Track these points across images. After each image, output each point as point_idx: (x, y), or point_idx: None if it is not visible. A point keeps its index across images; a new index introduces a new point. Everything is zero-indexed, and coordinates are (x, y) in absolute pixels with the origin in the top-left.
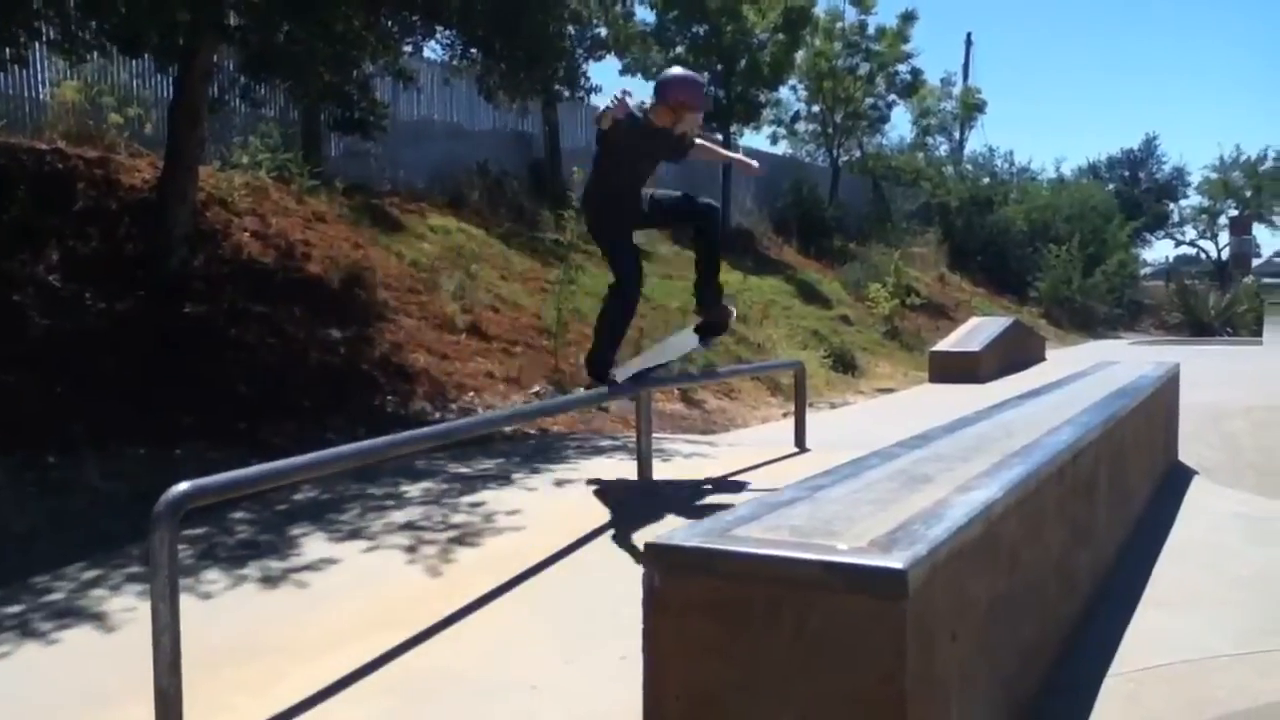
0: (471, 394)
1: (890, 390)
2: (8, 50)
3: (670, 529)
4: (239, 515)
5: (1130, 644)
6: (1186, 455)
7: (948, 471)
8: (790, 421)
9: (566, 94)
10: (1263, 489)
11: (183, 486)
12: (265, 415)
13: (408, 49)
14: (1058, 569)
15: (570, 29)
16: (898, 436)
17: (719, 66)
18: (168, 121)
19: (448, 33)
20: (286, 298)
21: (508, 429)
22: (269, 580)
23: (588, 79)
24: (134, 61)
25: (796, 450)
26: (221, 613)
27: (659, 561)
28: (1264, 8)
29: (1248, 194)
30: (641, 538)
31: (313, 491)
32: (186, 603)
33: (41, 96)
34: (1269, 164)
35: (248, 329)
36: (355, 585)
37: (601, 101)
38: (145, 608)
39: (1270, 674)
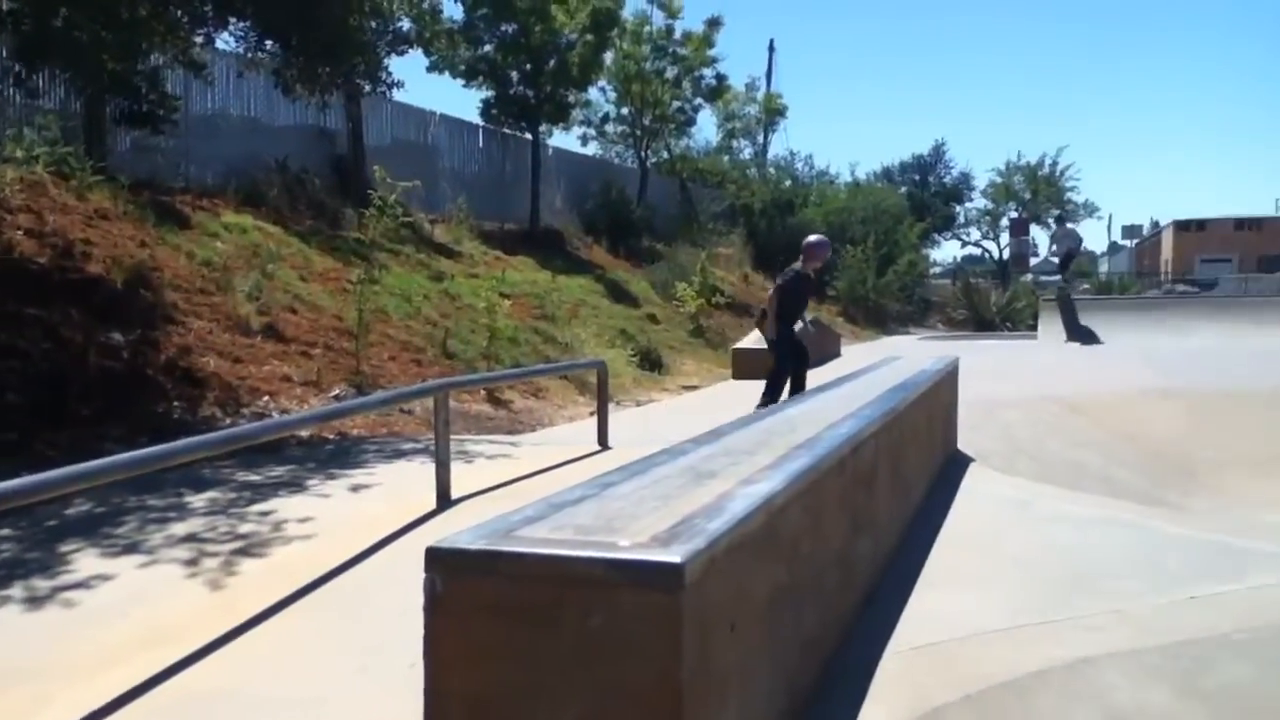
0: (266, 398)
1: (695, 388)
2: None
3: (456, 531)
4: (4, 532)
5: (906, 625)
6: (965, 444)
7: (734, 466)
8: (594, 420)
9: (368, 88)
10: (1033, 474)
11: None
12: (38, 425)
13: (199, 39)
14: (839, 558)
15: (371, 22)
16: (697, 432)
17: (527, 66)
18: None
19: (241, 24)
20: (64, 299)
21: (304, 433)
22: (34, 600)
23: (390, 74)
24: None
25: (599, 449)
26: None
27: (441, 565)
28: (1042, 23)
29: (1027, 197)
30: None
31: (86, 505)
32: None
33: None
34: (1046, 169)
35: (19, 333)
36: (129, 602)
37: (401, 95)
38: None
39: (1029, 647)
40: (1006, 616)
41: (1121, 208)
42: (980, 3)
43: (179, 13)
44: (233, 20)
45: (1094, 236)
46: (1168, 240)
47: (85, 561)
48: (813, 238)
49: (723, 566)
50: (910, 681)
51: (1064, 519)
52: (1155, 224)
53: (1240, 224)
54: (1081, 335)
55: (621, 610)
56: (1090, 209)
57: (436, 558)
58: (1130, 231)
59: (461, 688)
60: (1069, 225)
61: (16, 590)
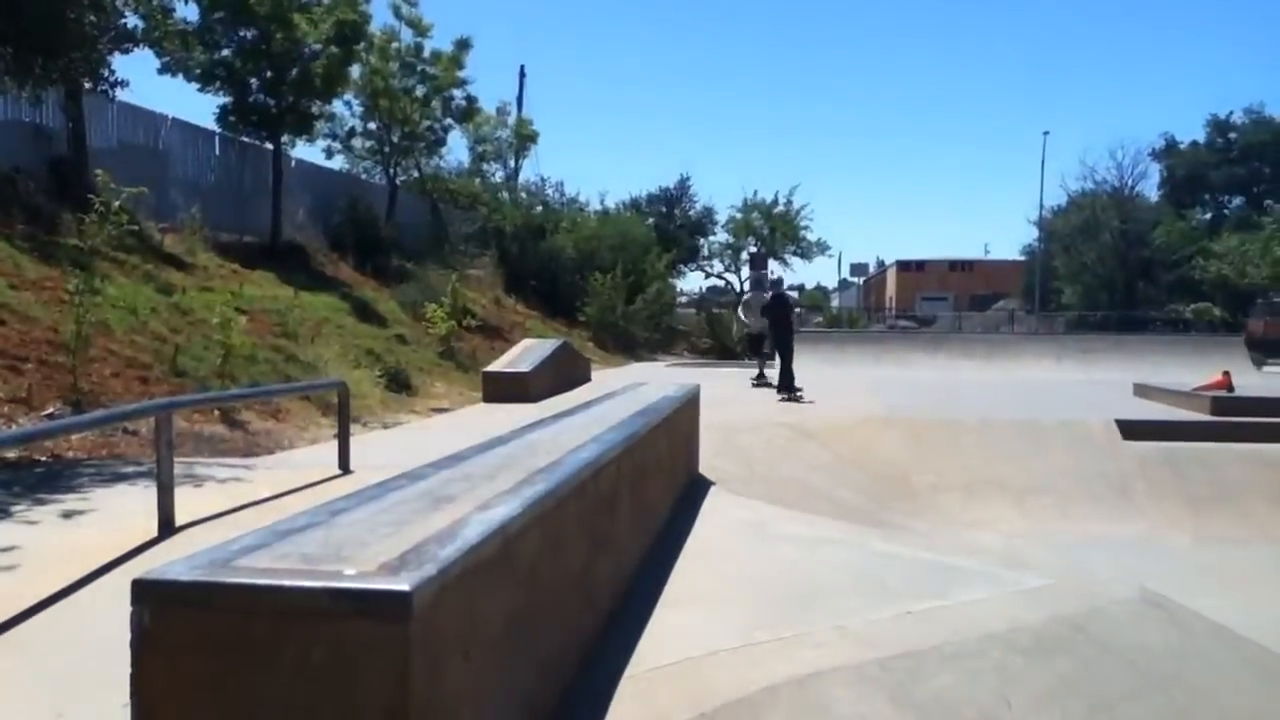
0: None
1: (445, 410)
2: None
3: (169, 561)
4: None
5: (645, 646)
6: (706, 468)
7: (472, 490)
8: (336, 443)
9: (89, 86)
10: (769, 496)
11: None
12: None
13: None
14: (580, 581)
15: (91, 15)
16: (445, 455)
17: (268, 73)
18: None
19: None
20: None
21: (10, 455)
22: None
23: (113, 72)
24: None
25: (340, 473)
26: None
27: (150, 597)
28: (779, 65)
29: (765, 233)
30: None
31: None
32: None
33: None
34: (781, 207)
35: None
36: None
37: (129, 96)
38: None
39: (761, 664)
40: (740, 634)
41: (851, 246)
42: (723, 42)
43: None
44: None
45: (825, 273)
46: (891, 278)
47: None
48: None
49: (455, 593)
50: (648, 701)
51: (795, 539)
52: (881, 263)
53: (954, 265)
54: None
55: (347, 642)
56: (823, 246)
57: (145, 590)
58: (858, 269)
59: None
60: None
61: None
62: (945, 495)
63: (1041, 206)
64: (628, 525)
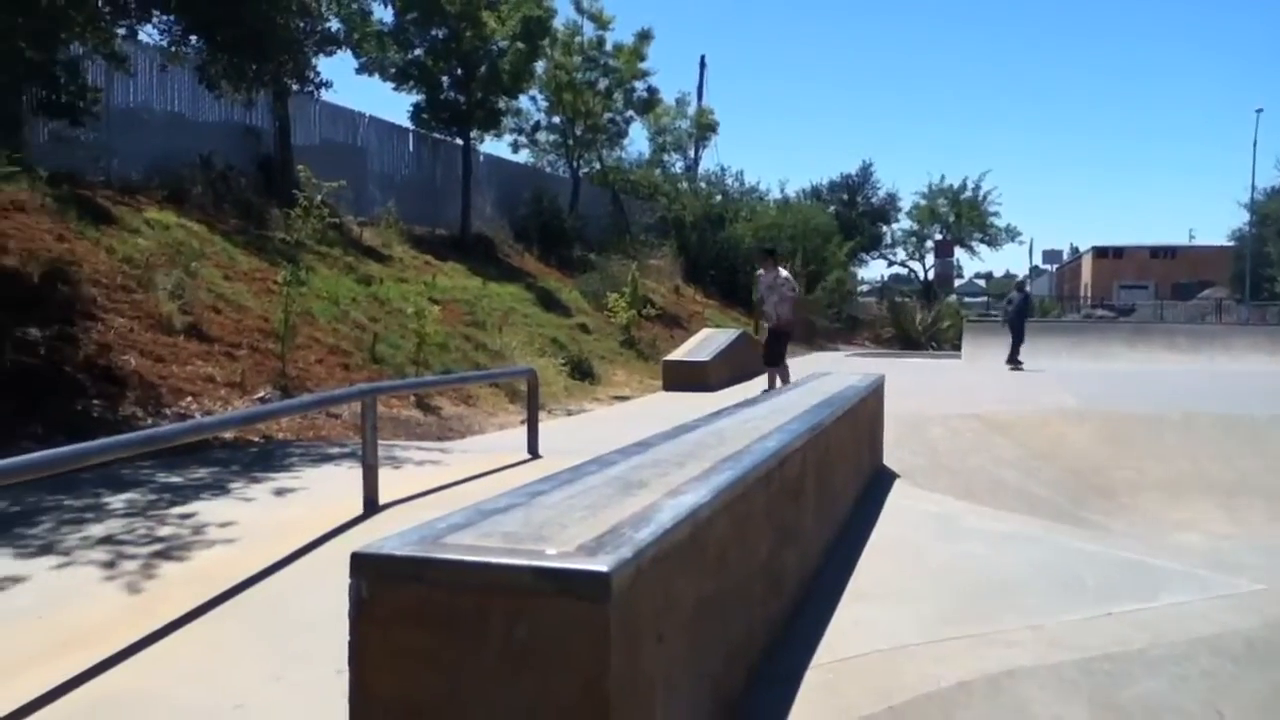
0: (189, 399)
1: (626, 398)
2: None
3: (382, 537)
4: None
5: (831, 637)
6: (891, 460)
7: (662, 477)
8: (525, 428)
9: (295, 87)
10: (955, 490)
11: None
12: None
13: (121, 31)
14: (765, 569)
15: (298, 21)
16: (628, 442)
17: (458, 71)
18: None
19: (165, 17)
20: None
21: (228, 435)
22: None
23: (318, 73)
24: None
25: (529, 457)
26: None
27: (367, 571)
28: (970, 50)
29: (950, 220)
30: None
31: (1, 503)
32: None
33: None
34: (969, 193)
35: None
36: (43, 605)
37: (330, 96)
38: None
39: (950, 661)
40: (928, 629)
41: (1042, 233)
42: (908, 29)
43: (100, 2)
44: (156, 13)
45: (1016, 260)
46: (1087, 266)
47: None
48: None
49: (649, 576)
50: (835, 691)
51: (984, 534)
52: (1075, 250)
53: (1155, 252)
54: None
55: (548, 619)
56: (1012, 233)
57: (362, 563)
58: (1051, 256)
59: (387, 695)
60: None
61: None
62: (1145, 493)
63: (1253, 188)
64: (812, 515)
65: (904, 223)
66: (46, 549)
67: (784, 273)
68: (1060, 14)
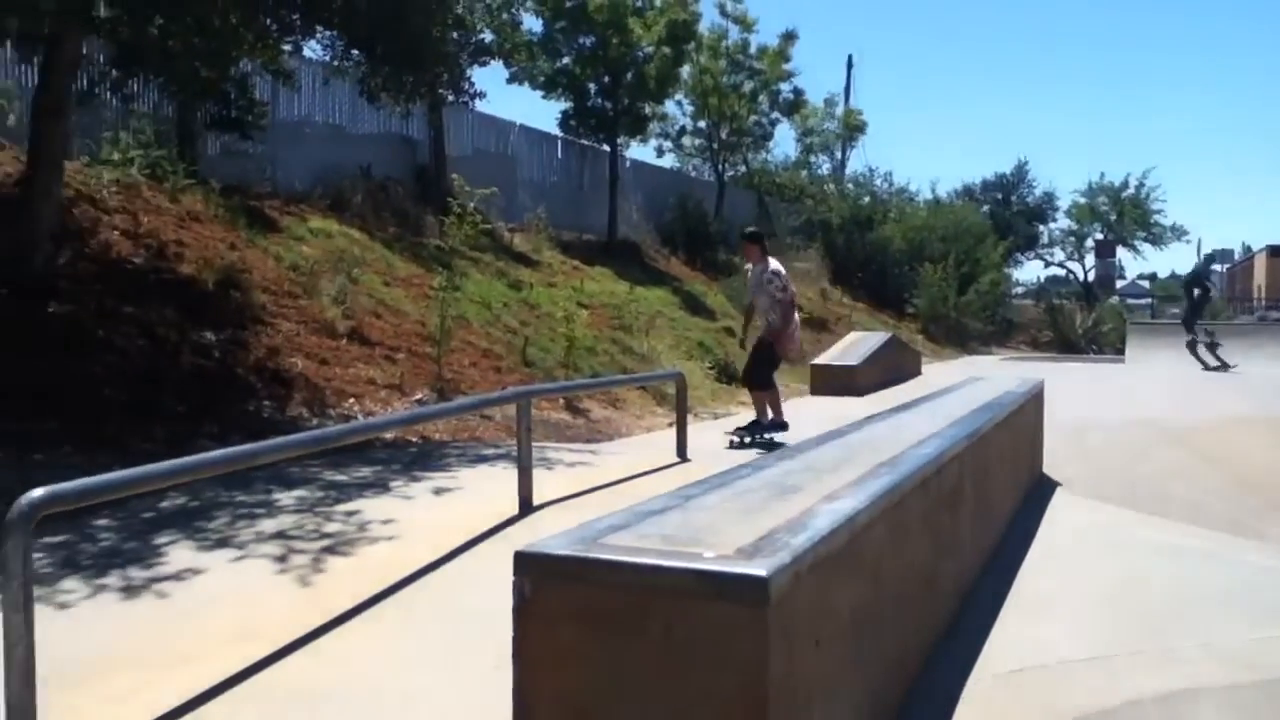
0: (352, 400)
1: None
2: None
3: (544, 537)
4: (102, 522)
5: (991, 651)
6: (1051, 468)
7: (816, 482)
8: (672, 431)
9: (451, 98)
10: (1119, 500)
11: (37, 493)
12: (135, 419)
13: (287, 48)
14: (922, 579)
15: (454, 33)
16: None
17: (605, 78)
18: (31, 114)
19: (328, 33)
20: (158, 298)
21: (388, 435)
22: (130, 590)
23: (472, 84)
24: None
25: (678, 460)
26: (79, 624)
27: (529, 569)
28: (1122, 45)
29: (1112, 219)
30: (517, 546)
31: (181, 498)
32: (43, 613)
33: None
34: (1130, 191)
35: (117, 330)
36: (221, 596)
37: (482, 106)
38: None
39: (1119, 679)
40: (1093, 646)
41: (1211, 231)
42: (1060, 23)
43: (268, 21)
44: (320, 29)
45: (1183, 260)
46: (1260, 265)
47: (179, 554)
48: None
49: (807, 582)
50: (996, 706)
51: (1152, 547)
52: (1247, 249)
53: None
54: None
55: (707, 621)
56: (1178, 232)
57: (525, 562)
58: (1221, 256)
59: (549, 690)
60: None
61: (114, 579)
62: None
63: None
64: (970, 524)
65: (1062, 222)
66: (223, 542)
67: (774, 265)
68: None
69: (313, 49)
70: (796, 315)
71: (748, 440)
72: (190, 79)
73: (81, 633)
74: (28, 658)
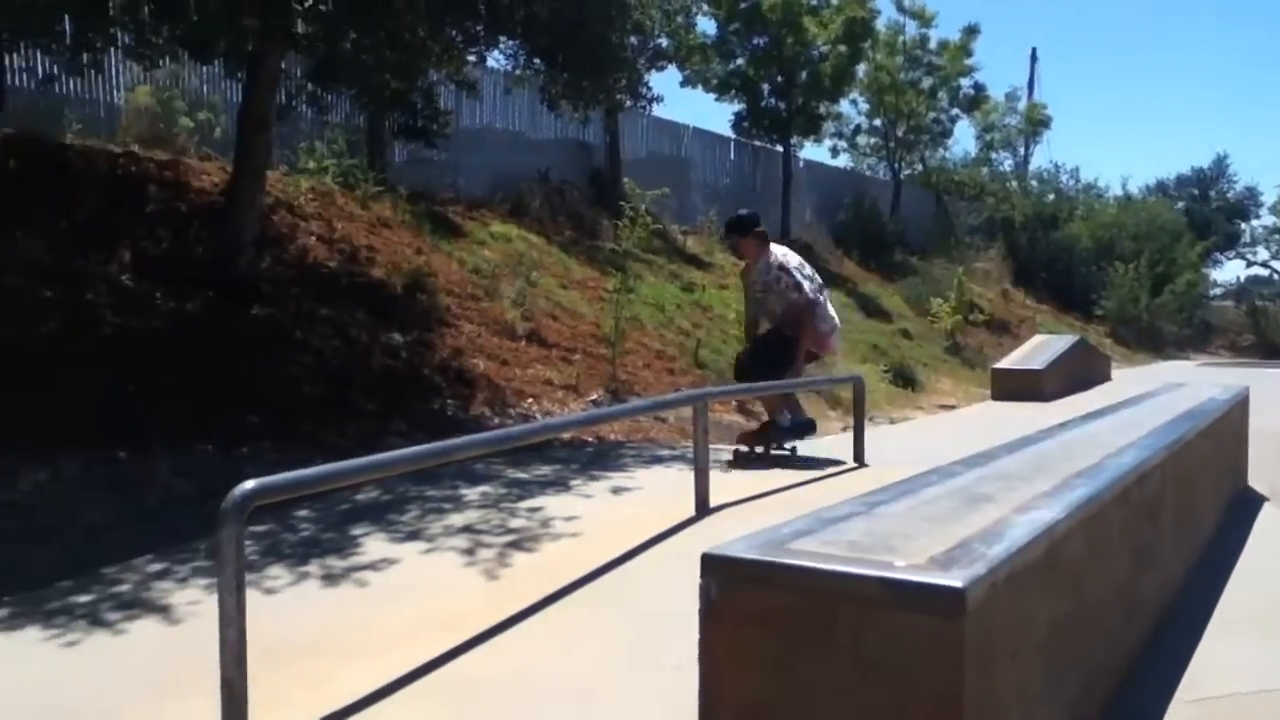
0: (530, 400)
1: (951, 407)
2: (85, 55)
3: (727, 540)
4: (302, 513)
5: (1196, 671)
6: (1256, 481)
7: (1009, 491)
8: (849, 435)
9: (629, 103)
10: None
11: (250, 484)
12: (329, 416)
13: (471, 58)
14: (1122, 594)
15: (632, 39)
16: (958, 454)
17: (779, 78)
18: (236, 127)
19: (511, 43)
20: (351, 301)
21: (565, 435)
22: (330, 578)
23: (649, 89)
24: (204, 67)
25: (855, 465)
26: (283, 609)
27: (716, 572)
28: None
29: None
30: (697, 548)
31: (374, 492)
32: (250, 598)
33: (116, 101)
34: None
35: (313, 331)
36: (412, 585)
37: (655, 109)
38: (210, 601)
39: None
40: None
41: None
42: (1261, 4)
43: (454, 33)
44: (503, 39)
45: None
46: None
47: (373, 545)
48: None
49: (1003, 594)
50: None
51: None
52: None
53: None
54: None
55: (899, 631)
56: None
57: (713, 564)
58: None
59: (733, 694)
60: None
61: (315, 567)
62: None
63: None
64: (1171, 538)
65: (1266, 219)
66: (414, 535)
67: (779, 255)
68: None
69: (495, 59)
70: (829, 307)
71: (759, 451)
72: (381, 90)
73: (285, 617)
74: (239, 640)
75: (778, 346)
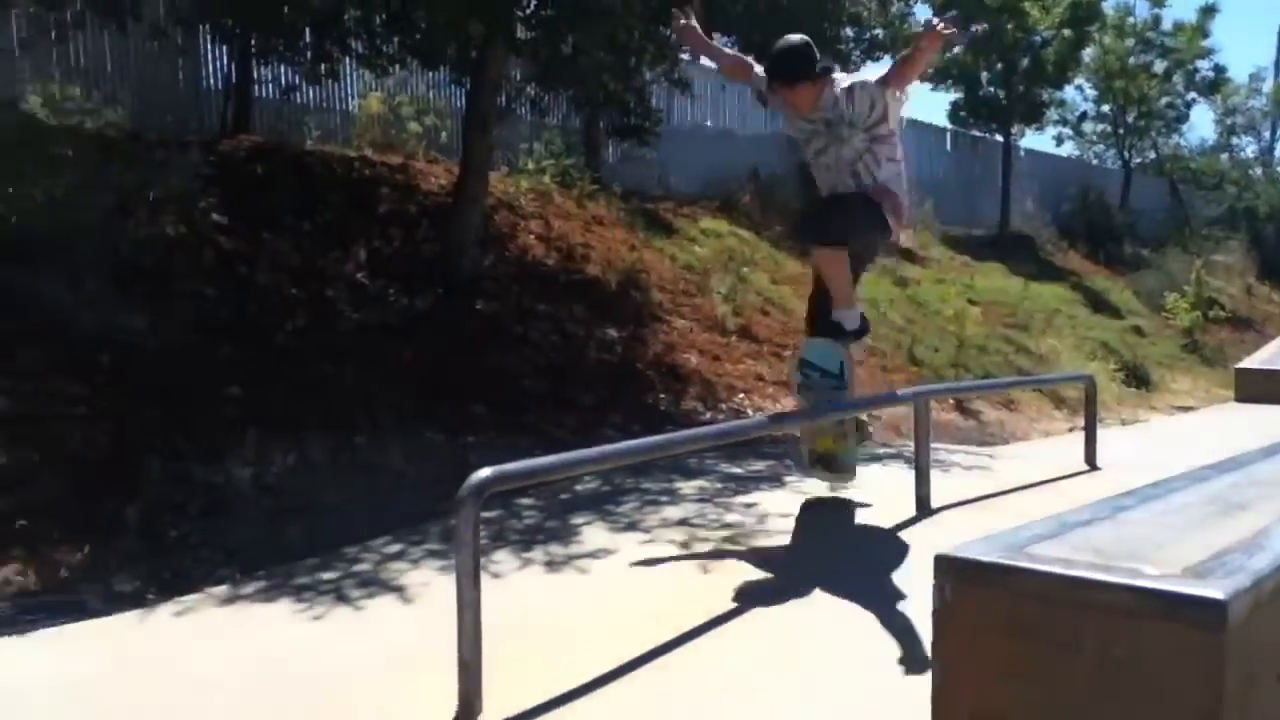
0: (741, 395)
1: (1190, 408)
2: (323, 65)
3: (957, 542)
4: (526, 502)
5: None
6: None
7: (1267, 499)
8: (1075, 437)
9: None
10: None
11: (486, 472)
12: (548, 408)
13: (685, 57)
14: None
15: (848, 30)
16: (1200, 459)
17: (999, 65)
18: (462, 130)
19: (724, 39)
20: (568, 297)
21: (778, 432)
22: (552, 565)
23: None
24: (430, 74)
25: (1086, 468)
26: (511, 591)
27: (950, 573)
28: None
29: None
30: (919, 550)
31: (593, 483)
32: (482, 580)
33: (350, 108)
34: None
35: (533, 326)
36: (631, 575)
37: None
38: (440, 582)
39: None
40: None
41: None
42: None
43: (669, 33)
44: (718, 35)
45: None
46: None
47: (593, 534)
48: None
49: (1268, 609)
50: None
51: None
52: None
53: None
54: None
55: (1151, 644)
56: None
57: (947, 565)
58: None
59: (969, 699)
60: None
61: (538, 554)
62: None
63: None
64: None
65: None
66: (632, 526)
67: (847, 82)
68: None
69: None
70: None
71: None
72: (597, 91)
73: (514, 600)
74: (475, 620)
75: (864, 212)
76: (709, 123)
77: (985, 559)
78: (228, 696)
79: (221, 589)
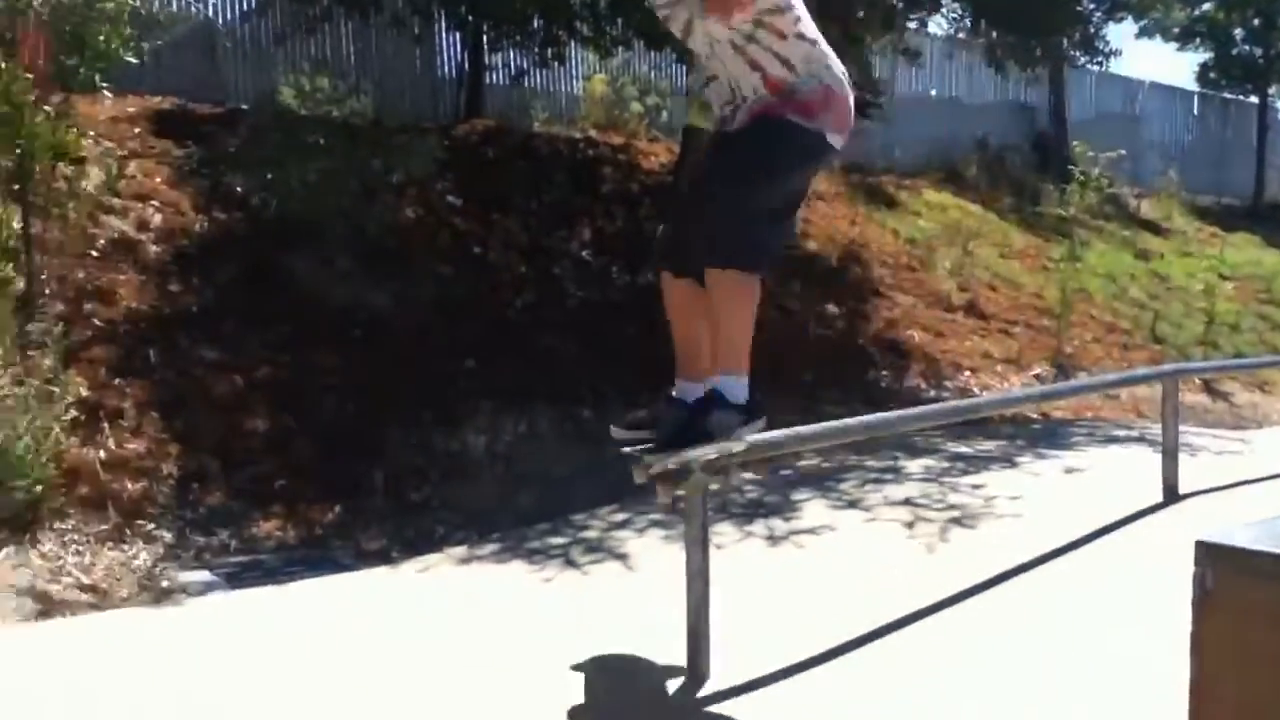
0: (967, 374)
1: None
2: (550, 50)
3: (1208, 530)
4: (748, 476)
5: None
6: None
7: None
8: None
9: (1083, 60)
10: None
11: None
12: (768, 385)
13: (912, 25)
14: None
15: None
16: None
17: (1255, 20)
18: (685, 109)
19: (955, 5)
20: (787, 274)
21: (1008, 412)
22: (773, 539)
23: (1106, 43)
24: (653, 54)
25: None
26: (734, 562)
27: (1213, 560)
28: None
29: None
30: (1168, 538)
31: (814, 460)
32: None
33: (575, 91)
34: None
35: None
36: (851, 553)
37: (1119, 68)
38: (660, 550)
39: None
40: None
41: None
42: None
43: (897, 2)
44: (945, 4)
45: None
46: None
47: (813, 511)
48: None
49: None
50: None
51: None
52: None
53: None
54: None
55: None
56: None
57: (1209, 552)
58: None
59: (1230, 691)
60: None
61: (758, 528)
62: None
63: None
64: None
65: None
66: (853, 504)
67: None
68: None
69: (938, 23)
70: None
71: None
72: None
73: (736, 570)
74: (703, 589)
75: (778, 140)
76: (934, 92)
77: (1254, 547)
78: (467, 647)
79: (460, 549)
